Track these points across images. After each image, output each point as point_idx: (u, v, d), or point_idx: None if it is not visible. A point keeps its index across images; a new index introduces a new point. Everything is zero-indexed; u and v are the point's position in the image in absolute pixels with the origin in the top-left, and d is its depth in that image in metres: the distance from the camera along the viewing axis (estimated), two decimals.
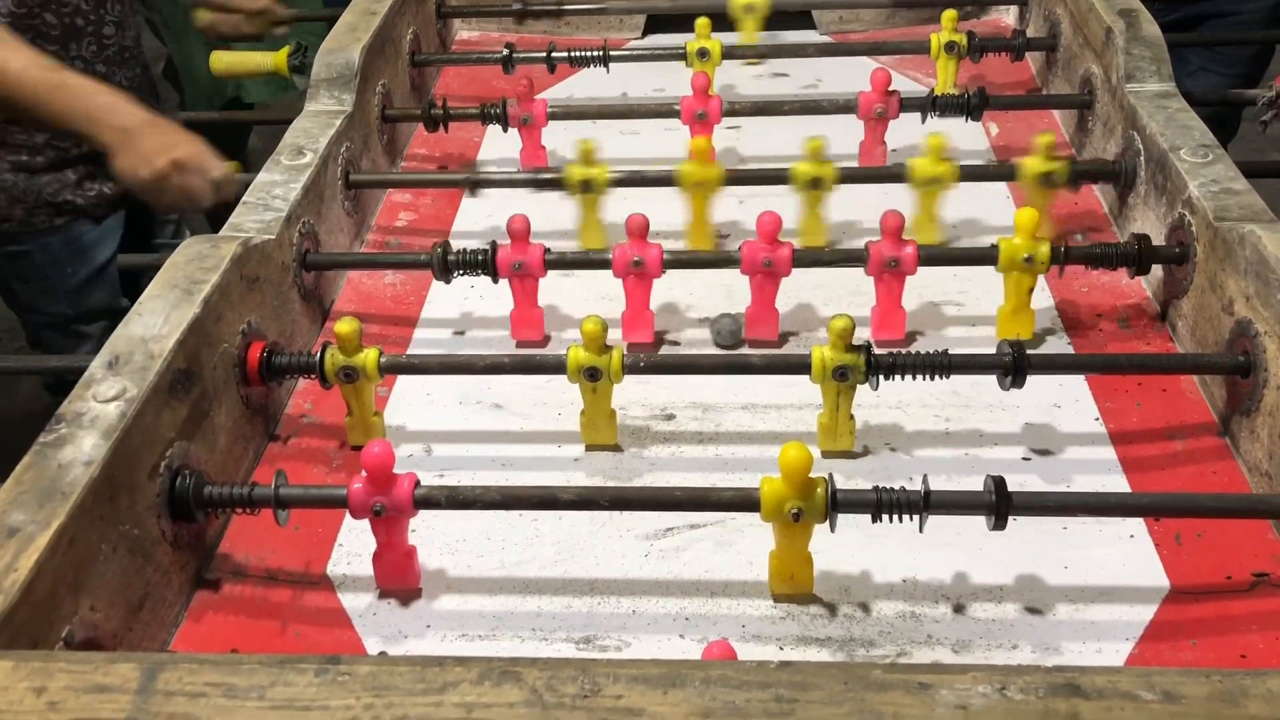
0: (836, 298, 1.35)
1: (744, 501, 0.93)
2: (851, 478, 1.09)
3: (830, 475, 0.92)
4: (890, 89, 1.55)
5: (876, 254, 1.22)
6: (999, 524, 0.91)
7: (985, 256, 1.24)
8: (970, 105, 1.55)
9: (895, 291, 1.25)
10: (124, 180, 1.56)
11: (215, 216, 1.44)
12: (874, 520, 0.92)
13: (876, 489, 0.92)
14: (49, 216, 1.88)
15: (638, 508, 1.00)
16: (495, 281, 1.26)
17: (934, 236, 1.42)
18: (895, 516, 0.92)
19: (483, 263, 1.25)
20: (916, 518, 0.92)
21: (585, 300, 1.36)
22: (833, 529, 0.92)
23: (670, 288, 1.34)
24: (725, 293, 1.35)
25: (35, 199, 1.85)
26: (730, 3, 1.86)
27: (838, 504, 0.91)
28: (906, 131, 1.60)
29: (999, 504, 0.91)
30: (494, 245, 1.25)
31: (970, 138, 1.67)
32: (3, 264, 1.95)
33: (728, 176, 1.39)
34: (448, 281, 1.28)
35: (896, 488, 0.92)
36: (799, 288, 1.33)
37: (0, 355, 2.86)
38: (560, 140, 1.63)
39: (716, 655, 0.79)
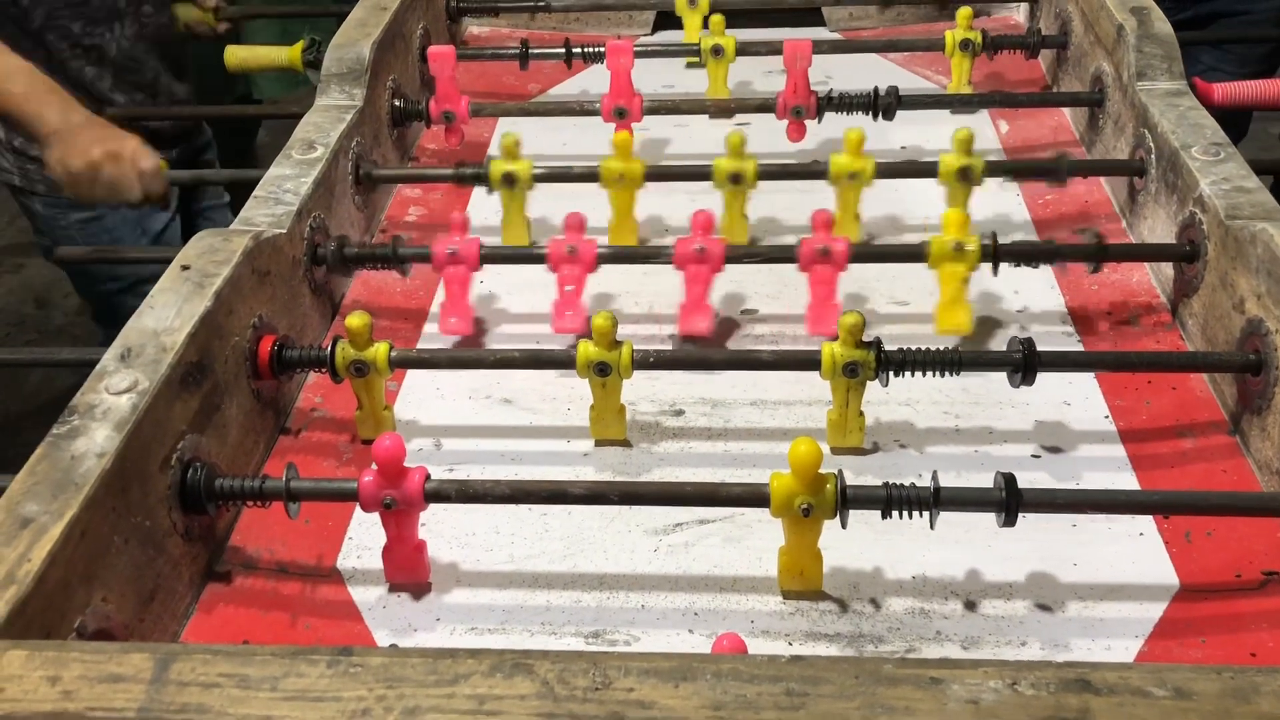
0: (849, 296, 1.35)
1: (753, 497, 0.93)
2: (861, 474, 1.09)
3: (840, 471, 0.92)
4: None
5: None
6: (1009, 521, 0.91)
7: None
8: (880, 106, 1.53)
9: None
10: (54, 173, 1.56)
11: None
12: (884, 516, 0.92)
13: (886, 485, 0.92)
14: None
15: (647, 503, 1.00)
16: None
17: (854, 233, 1.39)
18: (905, 513, 0.92)
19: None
20: (926, 514, 0.92)
21: (596, 296, 1.36)
22: (843, 525, 0.92)
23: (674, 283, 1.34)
24: (735, 287, 1.35)
25: None
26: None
27: (847, 500, 0.91)
28: (915, 129, 1.60)
29: (1009, 501, 0.91)
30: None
31: (980, 137, 1.67)
32: (74, 232, 1.99)
33: (649, 172, 1.38)
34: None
35: (906, 484, 0.92)
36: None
37: (10, 349, 2.88)
38: (572, 136, 1.63)
39: (727, 648, 0.79)
